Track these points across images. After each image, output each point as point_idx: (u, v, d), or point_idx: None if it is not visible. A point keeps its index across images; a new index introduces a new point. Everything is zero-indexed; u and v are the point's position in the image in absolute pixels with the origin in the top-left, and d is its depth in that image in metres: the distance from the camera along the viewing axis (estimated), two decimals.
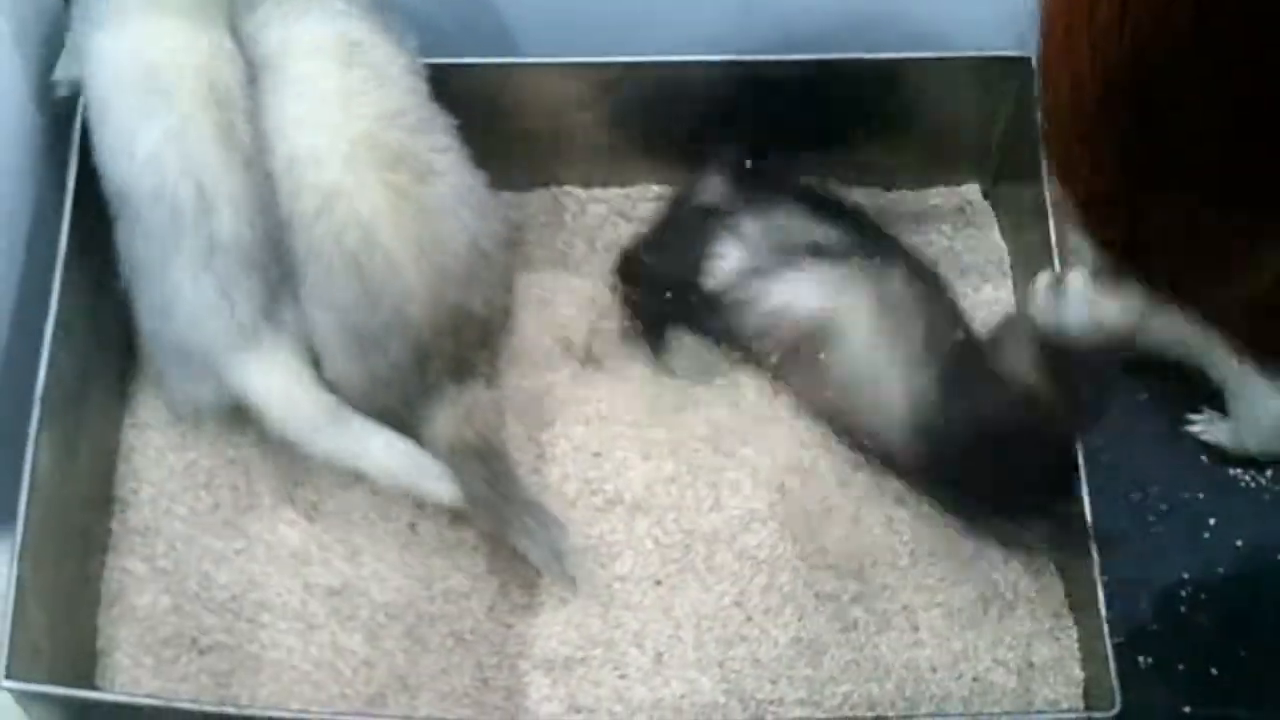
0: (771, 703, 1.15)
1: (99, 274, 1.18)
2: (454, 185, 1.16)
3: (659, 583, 1.20)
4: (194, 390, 1.19)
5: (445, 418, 1.16)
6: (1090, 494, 1.14)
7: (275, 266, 1.14)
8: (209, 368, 1.15)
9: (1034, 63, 1.18)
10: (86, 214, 1.16)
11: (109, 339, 1.24)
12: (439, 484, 1.15)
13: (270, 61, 1.16)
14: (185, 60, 1.13)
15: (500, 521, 1.15)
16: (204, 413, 1.22)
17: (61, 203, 1.16)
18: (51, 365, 1.11)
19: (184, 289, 1.12)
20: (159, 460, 1.23)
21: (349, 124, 1.14)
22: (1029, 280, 1.23)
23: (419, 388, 1.16)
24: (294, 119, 1.15)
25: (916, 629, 1.18)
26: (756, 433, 1.24)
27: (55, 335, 1.12)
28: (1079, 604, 1.17)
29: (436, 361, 1.15)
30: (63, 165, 1.17)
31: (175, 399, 1.22)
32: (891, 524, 1.21)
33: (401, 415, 1.17)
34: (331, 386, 1.17)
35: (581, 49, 1.25)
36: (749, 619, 1.19)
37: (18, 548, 1.06)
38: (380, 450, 1.16)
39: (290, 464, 1.22)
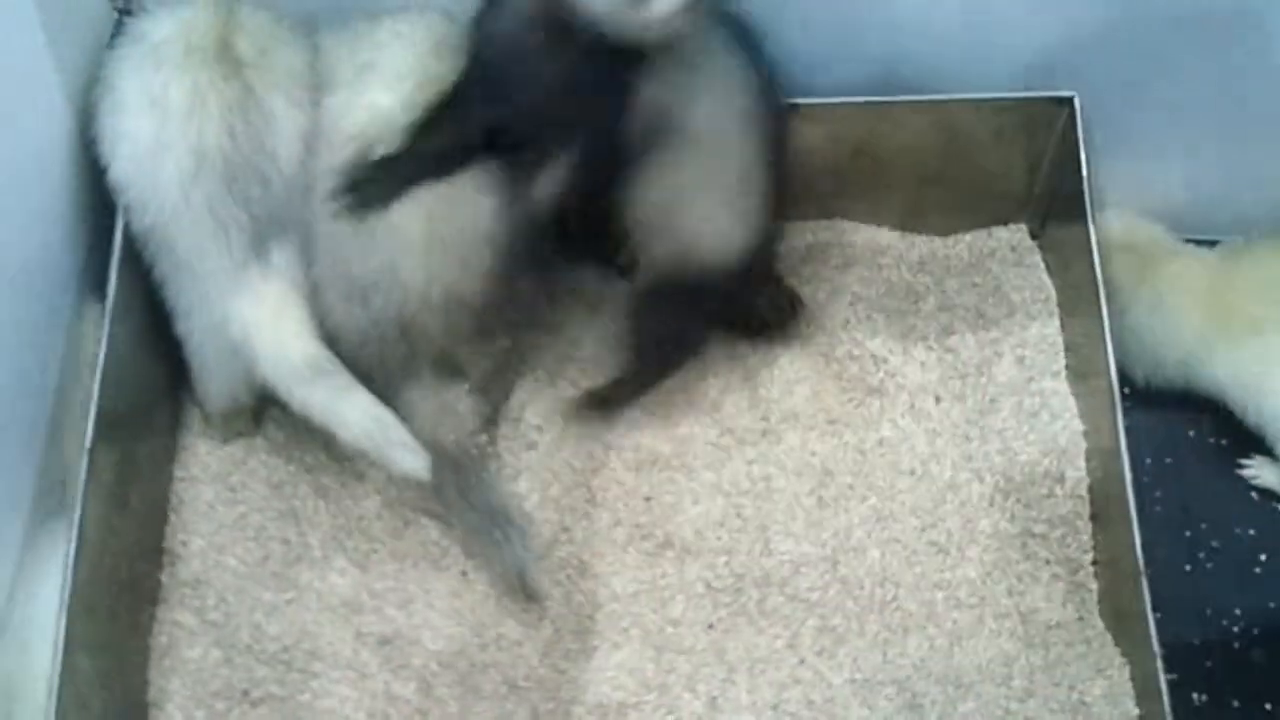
0: None
1: (145, 327, 1.19)
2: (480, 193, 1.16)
3: (711, 627, 1.20)
4: (224, 380, 1.20)
5: (423, 413, 1.16)
6: (1142, 530, 1.14)
7: (259, 203, 1.13)
8: (215, 311, 1.14)
9: (1077, 102, 1.22)
10: (133, 266, 1.17)
11: (157, 392, 1.24)
12: (407, 454, 1.14)
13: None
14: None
15: (469, 529, 1.15)
16: (236, 408, 1.23)
17: (109, 254, 1.17)
18: (99, 418, 1.12)
19: (180, 212, 1.12)
20: (209, 513, 1.23)
21: (433, 61, 1.16)
22: (1076, 320, 1.24)
23: (399, 355, 1.15)
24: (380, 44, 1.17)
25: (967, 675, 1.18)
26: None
27: (103, 389, 1.13)
28: (1131, 641, 1.16)
29: (418, 334, 1.15)
30: (110, 215, 1.18)
31: (209, 394, 1.23)
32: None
33: (384, 386, 1.16)
34: (329, 339, 1.16)
35: None
36: (802, 661, 1.18)
37: (66, 600, 1.06)
38: (355, 410, 1.14)
39: (341, 514, 1.22)
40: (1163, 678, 1.10)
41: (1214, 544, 1.29)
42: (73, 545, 1.07)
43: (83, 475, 1.09)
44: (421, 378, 1.17)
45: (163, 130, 1.12)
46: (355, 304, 1.15)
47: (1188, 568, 1.28)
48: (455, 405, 1.19)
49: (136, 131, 1.13)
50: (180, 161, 1.11)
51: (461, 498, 1.17)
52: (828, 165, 1.30)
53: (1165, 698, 1.09)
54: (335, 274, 1.16)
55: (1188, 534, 1.30)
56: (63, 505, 1.14)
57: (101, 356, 1.13)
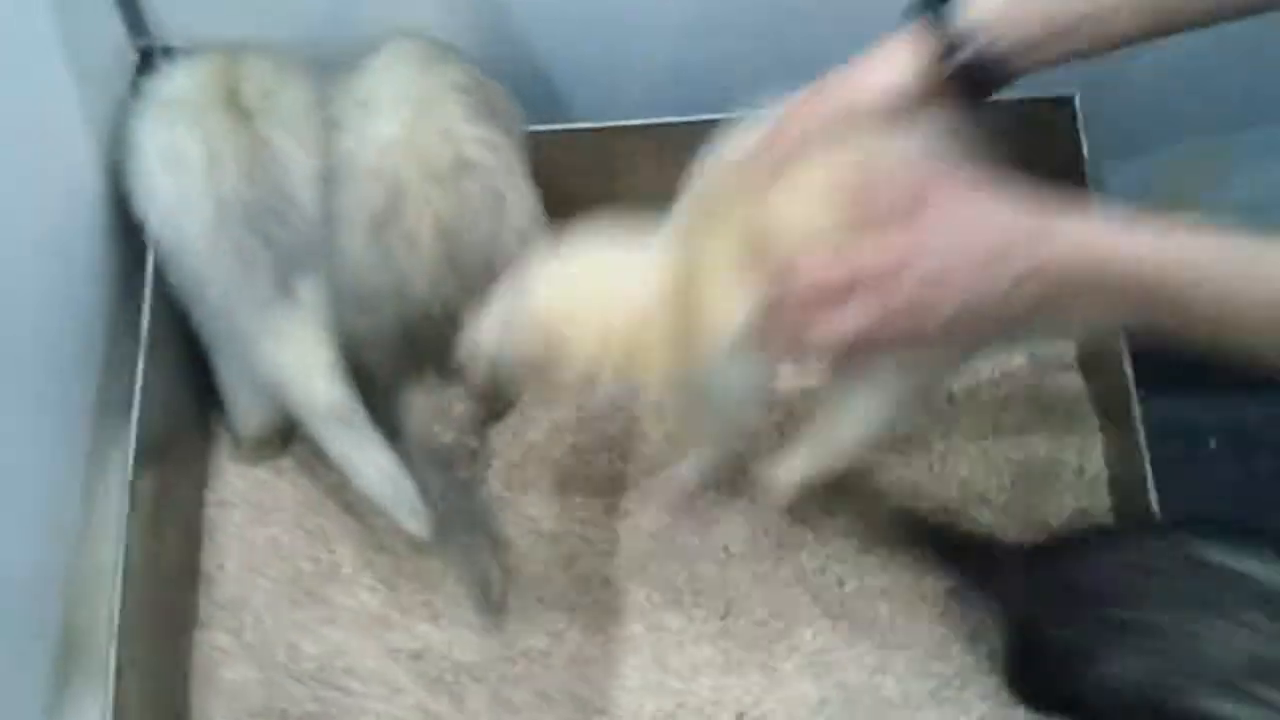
0: None
1: (177, 361, 1.23)
2: (487, 188, 1.18)
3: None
4: (257, 410, 1.25)
5: (419, 411, 1.19)
6: None
7: (282, 241, 1.16)
8: (246, 351, 1.17)
9: (1077, 102, 1.23)
10: (163, 307, 1.21)
11: (189, 421, 1.28)
12: (411, 517, 1.18)
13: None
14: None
15: (442, 532, 1.18)
16: (269, 434, 1.27)
17: (140, 293, 1.21)
18: (139, 452, 1.15)
19: (208, 261, 1.15)
20: (240, 535, 1.27)
21: (423, 80, 1.19)
22: None
23: (403, 358, 1.18)
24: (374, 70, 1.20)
25: None
26: None
27: (141, 424, 1.16)
28: None
29: (420, 340, 1.17)
30: (140, 260, 1.22)
31: (234, 417, 1.27)
32: None
33: (385, 384, 1.19)
34: (344, 344, 1.19)
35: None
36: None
37: (115, 629, 1.10)
38: (370, 466, 1.18)
39: (368, 530, 1.26)
40: None
41: None
42: (119, 576, 1.11)
43: (125, 507, 1.13)
44: (423, 377, 1.20)
45: (184, 186, 1.15)
46: (364, 312, 1.18)
47: None
48: (452, 406, 1.21)
49: (162, 190, 1.17)
50: (204, 214, 1.15)
51: (443, 499, 1.20)
52: None
53: None
54: (348, 285, 1.19)
55: None
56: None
57: (137, 392, 1.17)
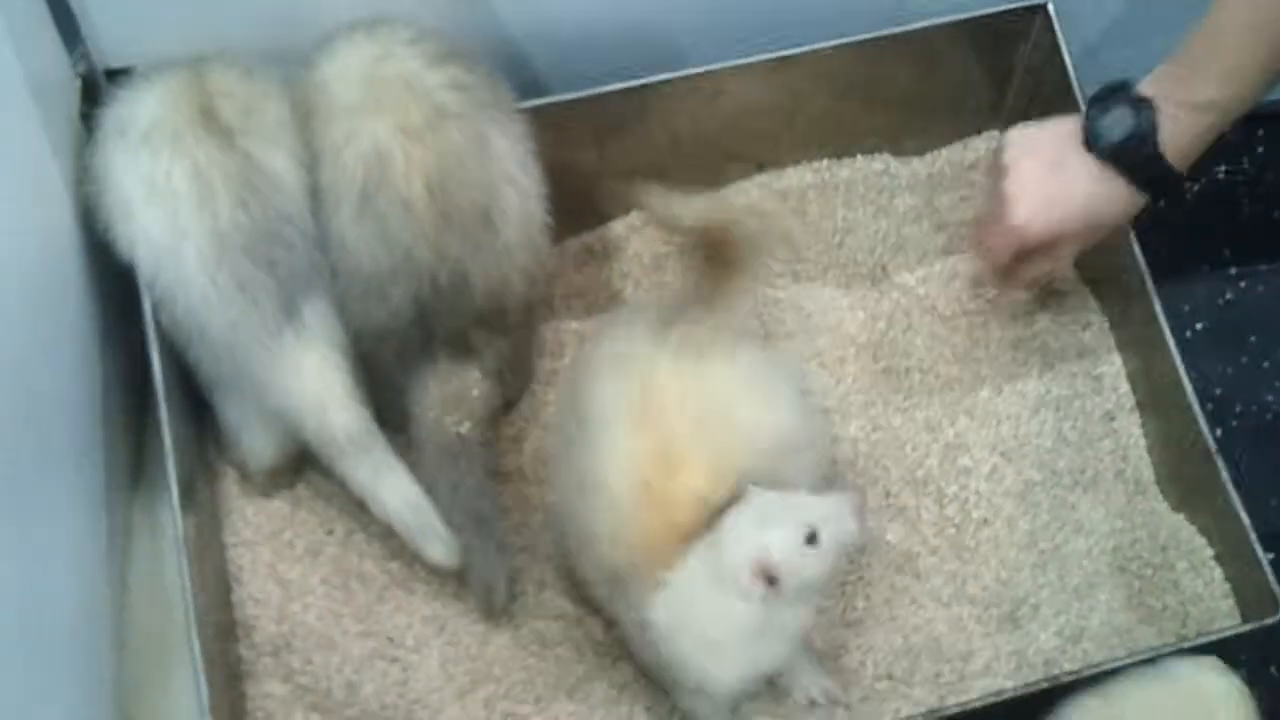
0: None
1: (184, 405, 1.16)
2: (466, 132, 1.12)
3: None
4: (269, 441, 1.17)
5: (434, 399, 1.14)
6: None
7: (284, 264, 1.10)
8: (256, 387, 1.12)
9: (1050, 8, 1.24)
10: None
11: (196, 461, 1.20)
12: (437, 544, 1.14)
13: None
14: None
15: (450, 525, 1.14)
16: (282, 463, 1.20)
17: (135, 338, 1.13)
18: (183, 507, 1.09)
19: (209, 295, 1.08)
20: (271, 575, 1.19)
21: (371, 44, 1.13)
22: None
23: (417, 342, 1.13)
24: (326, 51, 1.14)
25: None
26: None
27: (179, 472, 1.10)
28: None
29: (431, 316, 1.12)
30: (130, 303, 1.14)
31: (245, 452, 1.19)
32: None
33: (402, 377, 1.14)
34: (355, 337, 1.14)
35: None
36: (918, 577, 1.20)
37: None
38: (393, 495, 1.13)
39: (401, 550, 1.18)
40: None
41: None
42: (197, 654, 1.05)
43: (183, 565, 1.07)
44: (437, 362, 1.14)
45: (176, 220, 1.08)
46: (373, 301, 1.12)
47: None
48: (468, 392, 1.15)
49: (150, 226, 1.08)
50: (201, 247, 1.07)
51: (452, 496, 1.14)
52: (819, 109, 1.30)
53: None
54: (351, 275, 1.13)
55: None
56: None
57: (168, 444, 1.10)
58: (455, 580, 1.18)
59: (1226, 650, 1.11)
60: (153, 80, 1.13)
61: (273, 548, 1.20)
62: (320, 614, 1.17)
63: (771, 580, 0.99)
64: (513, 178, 1.14)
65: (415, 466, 1.15)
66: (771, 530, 1.00)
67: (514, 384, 1.26)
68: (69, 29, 1.18)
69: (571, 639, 1.17)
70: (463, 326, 1.13)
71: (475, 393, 1.16)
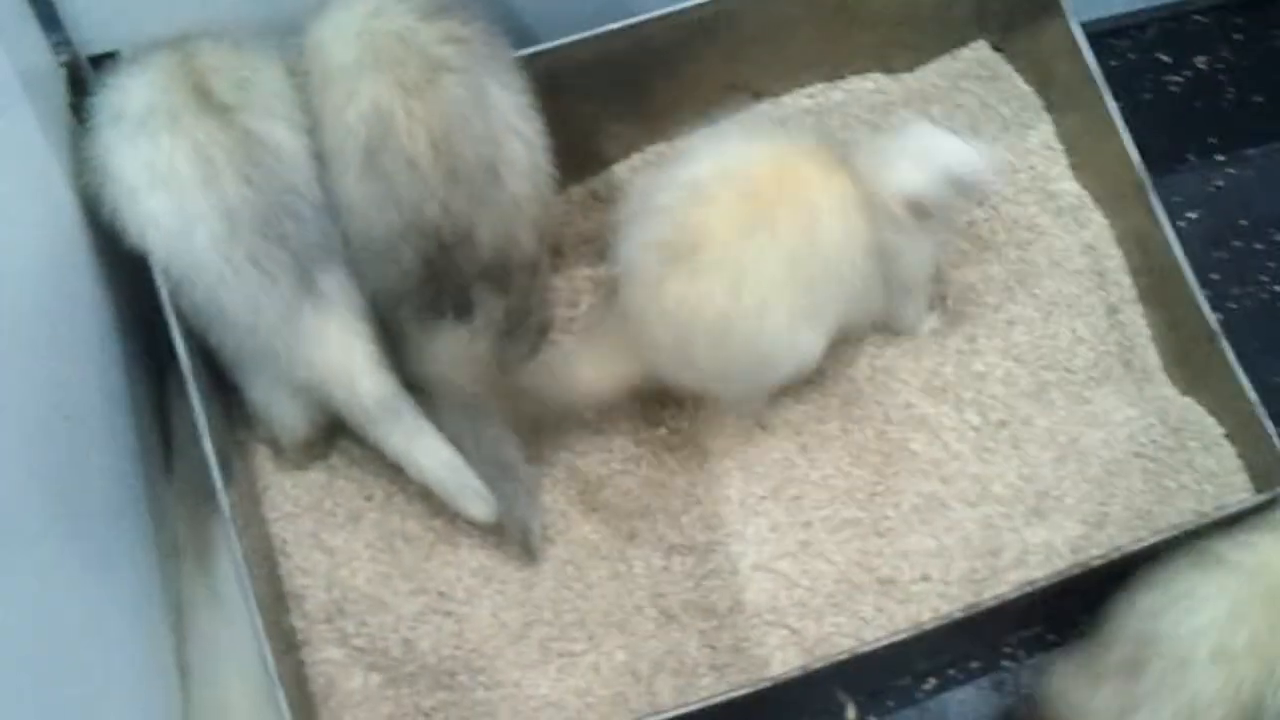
0: None
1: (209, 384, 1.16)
2: (467, 85, 1.12)
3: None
4: (298, 414, 1.18)
5: (447, 356, 1.15)
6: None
7: (296, 237, 1.10)
8: (281, 362, 1.12)
9: None
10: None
11: (230, 445, 1.21)
12: (476, 500, 1.16)
13: None
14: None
15: (483, 478, 1.16)
16: (313, 434, 1.20)
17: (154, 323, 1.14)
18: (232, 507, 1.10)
19: (225, 275, 1.08)
20: (316, 544, 1.20)
21: (364, 2, 1.13)
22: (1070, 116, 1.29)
23: (429, 299, 1.14)
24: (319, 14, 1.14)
25: None
26: None
27: (219, 458, 1.11)
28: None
29: (441, 273, 1.13)
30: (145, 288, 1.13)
31: (276, 428, 1.20)
32: None
33: (418, 337, 1.15)
34: (371, 300, 1.15)
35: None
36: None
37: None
38: (427, 456, 1.15)
39: (441, 508, 1.20)
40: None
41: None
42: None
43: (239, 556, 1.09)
44: (446, 319, 1.15)
45: (184, 203, 1.07)
46: (386, 263, 1.12)
47: None
48: (477, 348, 1.17)
49: (158, 212, 1.08)
50: (212, 228, 1.07)
51: (476, 449, 1.16)
52: (809, 35, 1.31)
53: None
54: (363, 242, 1.13)
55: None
56: None
57: (202, 423, 1.10)
58: (497, 530, 1.20)
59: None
60: (141, 64, 1.12)
61: (314, 518, 1.21)
62: (369, 577, 1.19)
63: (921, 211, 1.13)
64: (517, 129, 1.14)
65: (438, 422, 1.16)
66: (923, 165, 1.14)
67: (531, 338, 1.26)
68: (48, 17, 1.16)
69: (617, 574, 1.20)
70: (468, 283, 1.14)
71: (483, 351, 1.17)
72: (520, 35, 1.23)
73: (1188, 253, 1.24)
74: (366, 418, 1.14)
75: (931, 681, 1.23)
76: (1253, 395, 1.20)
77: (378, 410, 1.14)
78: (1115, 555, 1.14)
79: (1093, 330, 1.29)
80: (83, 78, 1.19)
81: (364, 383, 1.13)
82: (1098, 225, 1.33)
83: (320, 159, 1.13)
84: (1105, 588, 1.11)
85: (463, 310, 1.15)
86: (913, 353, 1.28)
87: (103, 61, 1.18)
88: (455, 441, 1.16)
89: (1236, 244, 1.41)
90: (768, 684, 1.10)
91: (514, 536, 1.19)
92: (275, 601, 1.17)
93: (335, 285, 1.13)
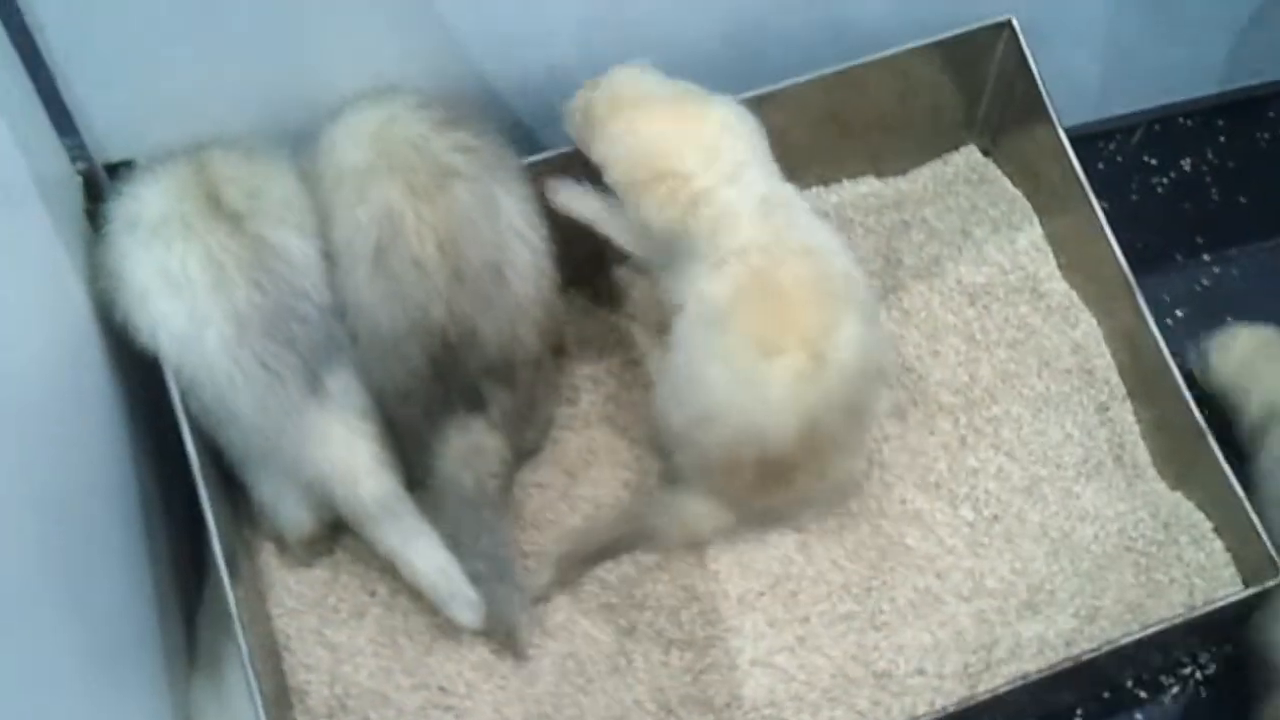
0: None
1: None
2: (475, 193, 1.16)
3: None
4: (304, 512, 1.20)
5: (453, 451, 1.18)
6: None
7: (303, 339, 1.13)
8: (287, 461, 1.15)
9: (1015, 24, 1.29)
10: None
11: (237, 541, 1.23)
12: (465, 609, 1.18)
13: None
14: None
15: (472, 575, 1.18)
16: (318, 532, 1.22)
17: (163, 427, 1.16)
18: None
19: (234, 377, 1.11)
20: (320, 640, 1.22)
21: (379, 109, 1.17)
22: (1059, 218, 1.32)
23: (439, 404, 1.17)
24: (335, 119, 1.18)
25: None
26: None
27: (226, 553, 1.13)
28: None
29: (450, 378, 1.16)
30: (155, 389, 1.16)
31: (282, 525, 1.22)
32: None
33: (427, 433, 1.18)
34: (376, 398, 1.17)
35: None
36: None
37: None
38: (422, 559, 1.17)
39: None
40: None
41: None
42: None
43: (245, 649, 1.10)
44: (455, 414, 1.18)
45: (195, 308, 1.11)
46: (393, 361, 1.15)
47: None
48: (483, 443, 1.19)
49: (170, 316, 1.11)
50: (221, 332, 1.10)
51: (474, 543, 1.19)
52: (802, 140, 1.33)
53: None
54: (371, 340, 1.16)
55: None
56: None
57: (211, 521, 1.12)
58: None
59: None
60: (156, 172, 1.16)
61: (318, 614, 1.23)
62: (371, 672, 1.21)
63: None
64: (522, 234, 1.18)
65: (438, 517, 1.18)
66: None
67: (534, 433, 1.29)
68: (65, 126, 1.20)
69: (617, 668, 1.21)
70: (475, 381, 1.17)
71: (489, 445, 1.20)
72: (523, 143, 1.27)
73: (1175, 350, 1.27)
74: (365, 516, 1.17)
75: None
76: (1240, 491, 1.22)
77: (376, 510, 1.16)
78: (1107, 648, 1.15)
79: (1082, 427, 1.32)
80: (98, 184, 1.22)
81: (367, 483, 1.16)
82: (1087, 324, 1.36)
83: (330, 257, 1.16)
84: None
85: (474, 404, 1.18)
86: (908, 449, 1.31)
87: (118, 169, 1.21)
88: (455, 535, 1.18)
89: None
90: None
91: (499, 633, 1.20)
92: (279, 697, 1.18)
93: (341, 386, 1.16)
